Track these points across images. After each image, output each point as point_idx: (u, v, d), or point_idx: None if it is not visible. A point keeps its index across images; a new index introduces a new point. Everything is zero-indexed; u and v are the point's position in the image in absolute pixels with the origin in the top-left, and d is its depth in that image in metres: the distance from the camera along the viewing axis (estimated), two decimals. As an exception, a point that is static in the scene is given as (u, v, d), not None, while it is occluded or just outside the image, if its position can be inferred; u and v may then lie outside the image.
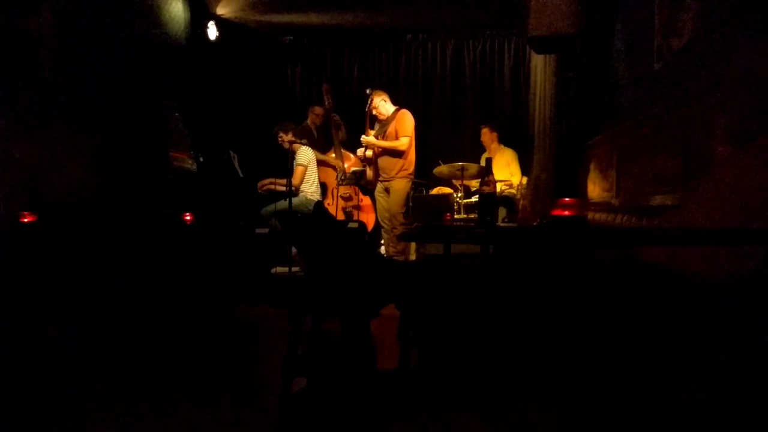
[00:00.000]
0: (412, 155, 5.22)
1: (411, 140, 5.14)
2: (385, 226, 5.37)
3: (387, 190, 5.27)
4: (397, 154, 5.14)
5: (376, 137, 5.27)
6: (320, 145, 6.24)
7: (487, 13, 6.28)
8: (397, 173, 5.17)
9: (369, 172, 5.52)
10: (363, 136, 5.30)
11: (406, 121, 5.17)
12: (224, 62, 6.27)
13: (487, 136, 6.03)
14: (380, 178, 5.32)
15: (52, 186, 3.49)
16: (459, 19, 6.63)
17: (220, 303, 4.38)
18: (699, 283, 2.12)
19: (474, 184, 5.55)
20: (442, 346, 2.47)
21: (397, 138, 5.13)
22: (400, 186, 5.17)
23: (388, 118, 5.27)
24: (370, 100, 5.31)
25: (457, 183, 5.32)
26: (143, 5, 4.83)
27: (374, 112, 5.31)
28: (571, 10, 4.30)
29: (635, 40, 3.55)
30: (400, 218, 5.19)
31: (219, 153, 5.42)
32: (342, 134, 6.31)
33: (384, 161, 5.23)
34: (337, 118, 6.31)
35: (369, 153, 5.33)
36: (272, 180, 5.63)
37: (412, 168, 5.23)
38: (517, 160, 5.89)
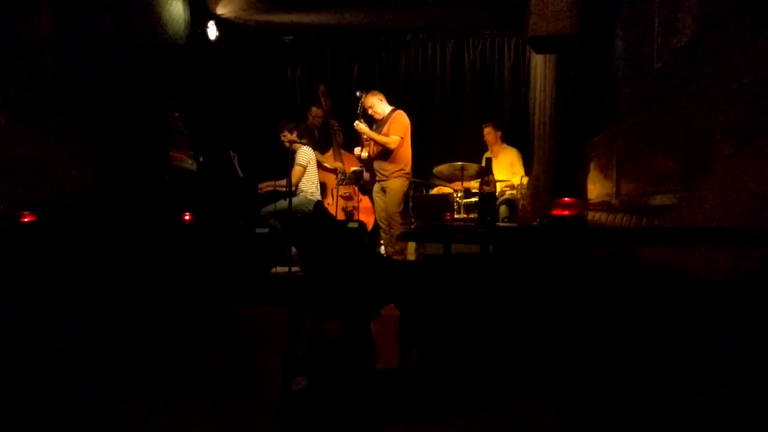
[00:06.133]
0: (406, 155, 5.23)
1: (403, 140, 5.17)
2: (383, 226, 5.38)
3: (384, 190, 5.28)
4: (388, 152, 5.16)
5: None
6: (320, 146, 6.25)
7: (487, 13, 6.27)
8: (393, 173, 5.19)
9: (366, 174, 5.53)
10: (356, 122, 5.30)
11: (400, 121, 5.21)
12: (224, 62, 6.26)
13: (491, 134, 6.00)
14: (377, 178, 5.34)
15: (52, 186, 3.49)
16: (459, 19, 6.62)
17: (220, 303, 4.38)
18: (699, 283, 2.12)
19: (474, 184, 5.55)
20: (442, 345, 2.47)
21: (388, 136, 5.16)
22: (397, 185, 5.19)
23: (384, 118, 5.30)
24: (360, 103, 5.34)
25: (456, 186, 5.31)
26: (143, 5, 4.83)
27: (370, 111, 5.33)
28: (571, 10, 4.30)
29: (635, 40, 3.55)
30: (397, 218, 5.20)
31: (219, 153, 5.42)
32: (340, 139, 6.32)
33: (380, 162, 5.25)
34: (335, 124, 6.32)
35: (365, 155, 5.34)
36: (272, 183, 5.64)
37: (408, 168, 5.25)
38: (521, 160, 5.89)
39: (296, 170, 5.44)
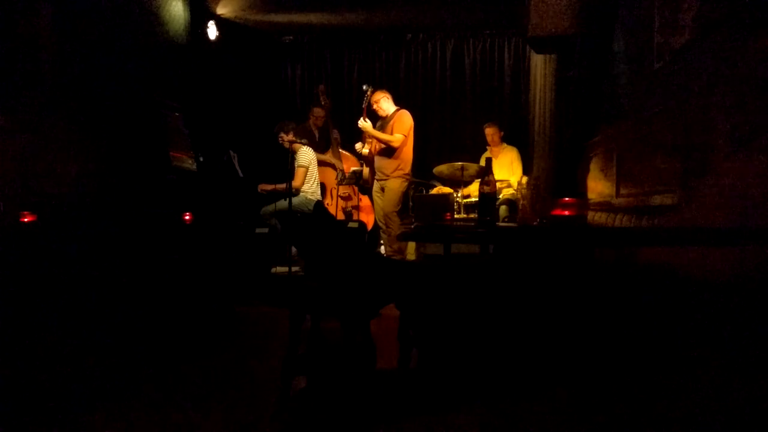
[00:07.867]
0: (407, 155, 5.23)
1: (406, 139, 5.16)
2: (382, 226, 5.38)
3: (383, 189, 5.28)
4: (390, 151, 5.16)
5: None
6: (320, 146, 6.25)
7: (487, 13, 6.28)
8: (392, 173, 5.18)
9: (365, 170, 5.52)
10: (360, 120, 5.29)
11: (404, 120, 5.21)
12: (224, 62, 6.27)
13: (495, 134, 6.00)
14: (376, 177, 5.34)
15: (52, 186, 3.49)
16: (459, 19, 6.63)
17: (220, 303, 4.38)
18: (699, 283, 2.12)
19: (474, 186, 5.54)
20: (442, 345, 2.47)
21: (392, 134, 5.16)
22: (395, 185, 5.19)
23: (387, 117, 5.30)
24: (366, 96, 5.34)
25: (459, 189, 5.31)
26: (143, 5, 4.83)
27: (374, 107, 5.33)
28: (571, 10, 4.31)
29: (635, 40, 3.55)
30: (394, 217, 5.19)
31: (219, 153, 5.42)
32: (338, 140, 6.32)
33: (380, 161, 5.25)
34: (336, 134, 6.32)
35: (365, 150, 5.34)
36: (273, 186, 5.63)
37: (408, 168, 5.25)
38: (520, 159, 5.89)
39: (300, 171, 5.43)
